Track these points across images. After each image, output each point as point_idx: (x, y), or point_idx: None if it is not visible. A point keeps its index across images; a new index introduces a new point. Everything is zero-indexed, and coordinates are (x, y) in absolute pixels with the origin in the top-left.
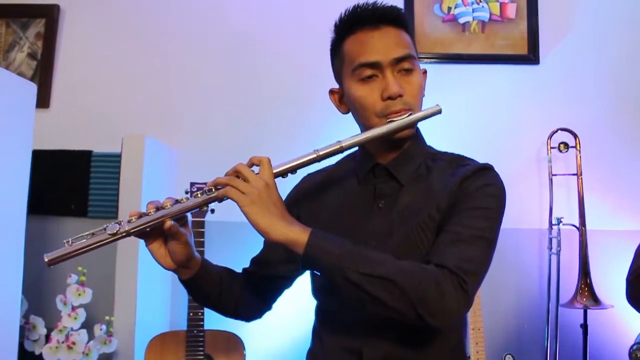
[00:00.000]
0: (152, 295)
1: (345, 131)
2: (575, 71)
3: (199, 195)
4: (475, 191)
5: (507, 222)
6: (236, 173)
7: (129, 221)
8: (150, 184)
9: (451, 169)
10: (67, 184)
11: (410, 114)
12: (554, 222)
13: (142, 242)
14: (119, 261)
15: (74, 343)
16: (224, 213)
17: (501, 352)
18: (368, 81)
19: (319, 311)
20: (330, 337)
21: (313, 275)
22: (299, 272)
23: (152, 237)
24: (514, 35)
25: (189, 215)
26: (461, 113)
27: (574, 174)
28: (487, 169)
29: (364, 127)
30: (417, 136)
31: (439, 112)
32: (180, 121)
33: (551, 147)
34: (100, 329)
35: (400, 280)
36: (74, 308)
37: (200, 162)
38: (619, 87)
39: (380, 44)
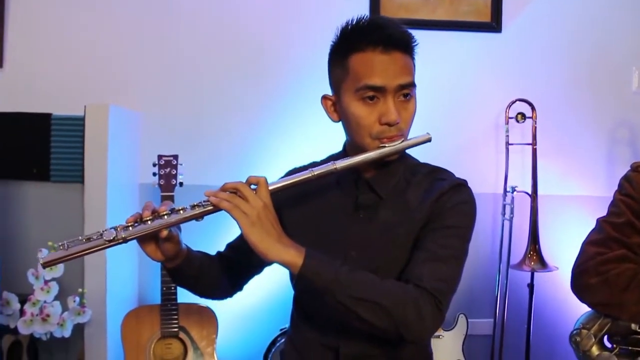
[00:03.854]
0: (121, 267)
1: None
2: (534, 41)
3: (196, 207)
4: (451, 209)
5: None
6: (235, 190)
7: (125, 228)
8: (115, 151)
9: (428, 182)
10: (26, 147)
11: (403, 141)
12: (508, 189)
13: (110, 216)
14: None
15: (48, 315)
16: (193, 177)
17: (454, 311)
18: (369, 102)
19: (298, 305)
20: (309, 332)
21: None
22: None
23: (146, 239)
24: (478, 1)
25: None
26: (423, 79)
27: (528, 144)
28: (462, 185)
29: (354, 142)
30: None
31: (429, 140)
32: (144, 85)
33: (509, 117)
34: (74, 301)
35: (386, 304)
36: (46, 282)
37: (164, 126)
38: (575, 59)
39: (388, 69)
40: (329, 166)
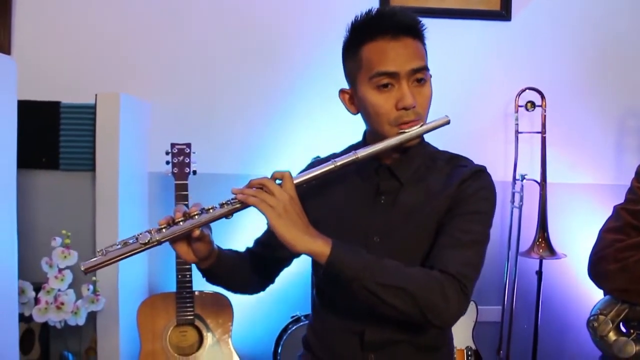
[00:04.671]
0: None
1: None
2: (544, 30)
3: (225, 205)
4: (472, 194)
5: None
6: (260, 185)
7: (158, 230)
8: (125, 140)
9: (448, 169)
10: (35, 136)
11: (421, 125)
12: (517, 177)
13: (121, 206)
14: (98, 223)
15: (62, 303)
16: (204, 165)
17: None
18: (384, 90)
19: (320, 292)
20: (333, 319)
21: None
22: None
23: (178, 240)
24: None
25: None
26: (432, 68)
27: (538, 132)
28: (482, 171)
29: (375, 131)
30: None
31: (448, 122)
32: (152, 74)
33: (519, 106)
34: (88, 289)
35: (412, 289)
36: (60, 270)
37: (173, 115)
38: (584, 47)
39: (400, 55)
40: (351, 156)
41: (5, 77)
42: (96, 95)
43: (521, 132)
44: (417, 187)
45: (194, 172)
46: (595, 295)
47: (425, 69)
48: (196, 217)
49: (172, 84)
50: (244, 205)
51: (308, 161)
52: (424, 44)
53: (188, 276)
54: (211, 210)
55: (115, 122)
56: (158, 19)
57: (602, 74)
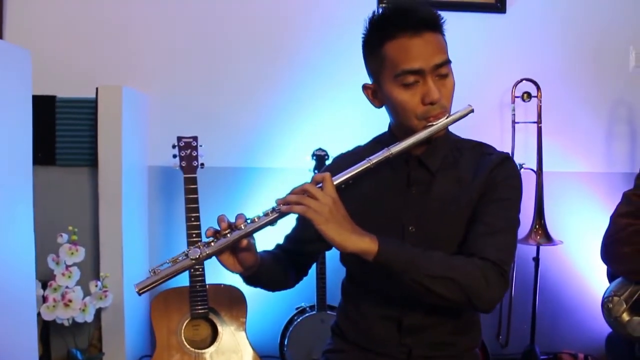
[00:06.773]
0: (134, 252)
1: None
2: (538, 22)
3: (270, 214)
4: (502, 182)
5: None
6: (303, 191)
7: (207, 244)
8: (127, 134)
9: (475, 157)
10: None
11: (447, 117)
12: None
13: (124, 200)
14: (102, 218)
15: (70, 300)
16: (213, 159)
17: None
18: (410, 87)
19: (354, 281)
20: (368, 305)
21: None
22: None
23: (224, 252)
24: None
25: None
26: None
27: (534, 122)
28: (508, 159)
29: (401, 125)
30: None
31: (472, 111)
32: (152, 67)
33: (515, 96)
34: (96, 285)
35: (457, 277)
36: (67, 267)
37: (174, 108)
38: (577, 39)
39: (423, 51)
40: (384, 153)
41: (21, 70)
42: (97, 88)
43: (517, 122)
44: (448, 177)
45: (202, 165)
46: (590, 279)
47: (448, 62)
48: (242, 227)
49: (171, 77)
50: (288, 212)
51: (311, 152)
52: (444, 36)
53: (200, 270)
54: (256, 220)
55: (118, 116)
56: (158, 10)
57: (593, 65)
